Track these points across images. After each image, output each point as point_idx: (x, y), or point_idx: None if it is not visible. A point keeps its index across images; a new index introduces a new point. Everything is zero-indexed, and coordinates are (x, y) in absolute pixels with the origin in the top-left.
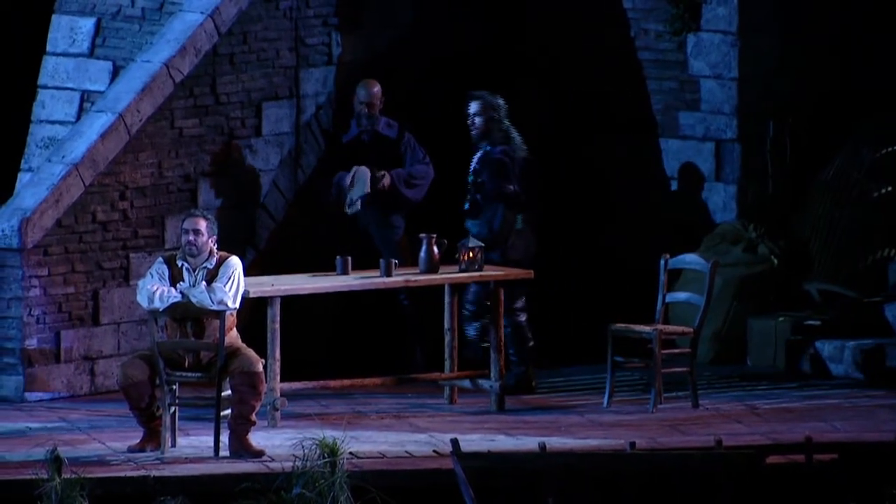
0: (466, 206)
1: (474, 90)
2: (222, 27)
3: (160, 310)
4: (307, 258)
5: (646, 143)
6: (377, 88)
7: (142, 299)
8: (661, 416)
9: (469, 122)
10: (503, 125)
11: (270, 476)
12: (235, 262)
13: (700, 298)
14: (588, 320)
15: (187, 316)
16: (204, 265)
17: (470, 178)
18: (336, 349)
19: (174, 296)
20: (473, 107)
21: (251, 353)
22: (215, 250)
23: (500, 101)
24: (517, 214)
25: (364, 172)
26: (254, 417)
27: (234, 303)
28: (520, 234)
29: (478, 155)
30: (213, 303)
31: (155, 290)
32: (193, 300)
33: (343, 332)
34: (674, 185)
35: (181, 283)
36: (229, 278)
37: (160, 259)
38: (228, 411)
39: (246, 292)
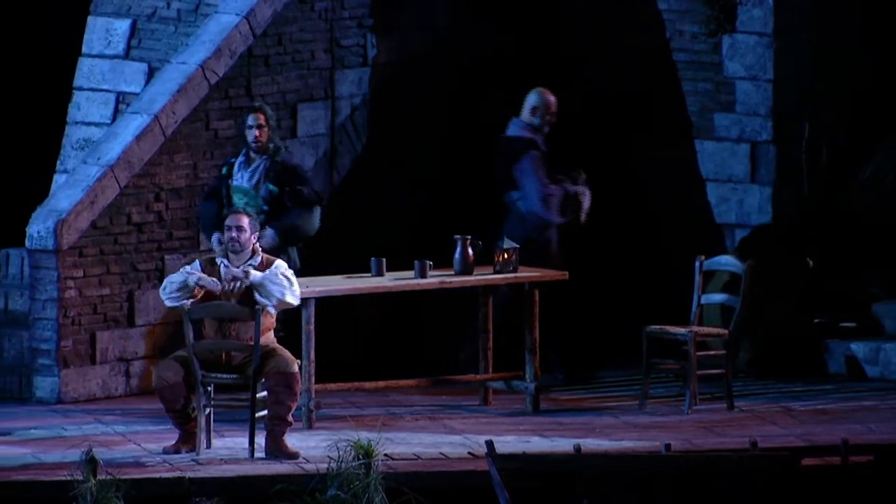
0: (262, 217)
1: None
2: (257, 29)
3: (164, 298)
4: (342, 259)
5: (681, 144)
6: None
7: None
8: (696, 417)
9: (249, 134)
10: (275, 135)
11: (305, 477)
12: (283, 263)
13: (735, 300)
14: (623, 322)
15: (223, 317)
16: (249, 262)
17: (273, 189)
18: (375, 351)
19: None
20: (254, 119)
21: (287, 353)
22: (259, 248)
23: (271, 112)
24: (320, 214)
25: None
26: (290, 418)
27: (296, 299)
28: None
29: (263, 165)
30: (278, 292)
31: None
32: (260, 280)
33: (383, 333)
34: (709, 187)
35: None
36: (289, 280)
37: (198, 260)
38: (264, 412)
39: (282, 293)
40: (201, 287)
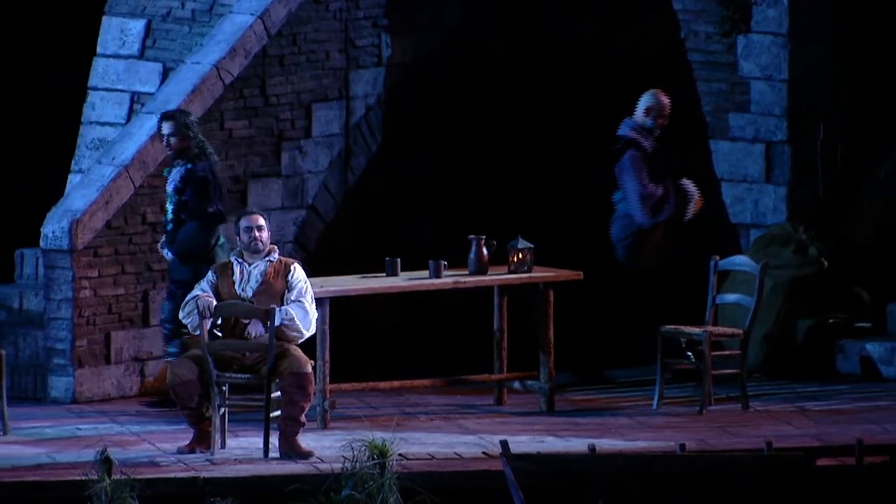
0: (170, 226)
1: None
2: (272, 29)
3: (189, 324)
4: (357, 259)
5: (696, 144)
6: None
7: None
8: (710, 417)
9: (164, 142)
10: (198, 141)
11: (320, 477)
12: (303, 273)
13: (750, 300)
14: (638, 322)
15: (237, 317)
16: (267, 259)
17: (174, 197)
18: (389, 350)
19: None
20: (167, 127)
21: (300, 354)
22: (276, 251)
23: (193, 118)
24: (217, 232)
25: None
26: (303, 418)
27: (313, 328)
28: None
29: (178, 173)
30: (296, 331)
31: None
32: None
33: (398, 333)
34: (724, 187)
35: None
36: (310, 299)
37: (210, 270)
38: (279, 413)
39: (301, 333)
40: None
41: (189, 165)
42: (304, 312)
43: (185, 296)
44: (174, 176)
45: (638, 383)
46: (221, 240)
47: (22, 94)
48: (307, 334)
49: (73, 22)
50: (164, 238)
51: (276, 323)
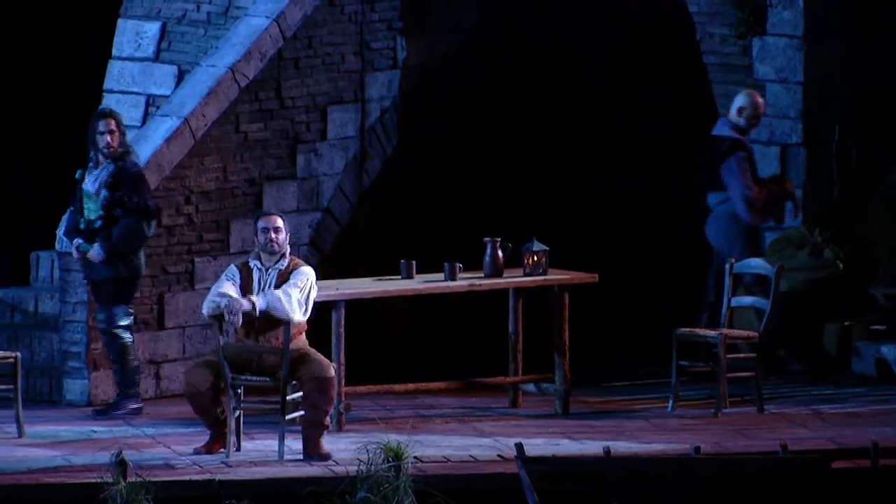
0: (98, 223)
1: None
2: (287, 31)
3: (206, 314)
4: (372, 261)
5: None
6: None
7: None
8: (725, 420)
9: (102, 140)
10: (126, 140)
11: (335, 480)
12: (308, 271)
13: (765, 303)
14: (654, 324)
15: (254, 319)
16: (277, 266)
17: (105, 195)
18: (404, 353)
19: (219, 301)
20: (104, 125)
21: (321, 357)
22: (288, 252)
23: (122, 118)
24: (151, 227)
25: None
26: (326, 421)
27: (302, 316)
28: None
29: (105, 171)
30: (282, 313)
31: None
32: (265, 307)
33: (413, 335)
34: None
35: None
36: (300, 289)
37: (233, 265)
38: (295, 415)
39: (287, 315)
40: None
41: (120, 163)
42: (287, 297)
43: (111, 299)
44: (100, 175)
45: (653, 386)
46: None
47: (38, 97)
48: (292, 318)
49: (88, 24)
50: (79, 239)
51: (262, 307)
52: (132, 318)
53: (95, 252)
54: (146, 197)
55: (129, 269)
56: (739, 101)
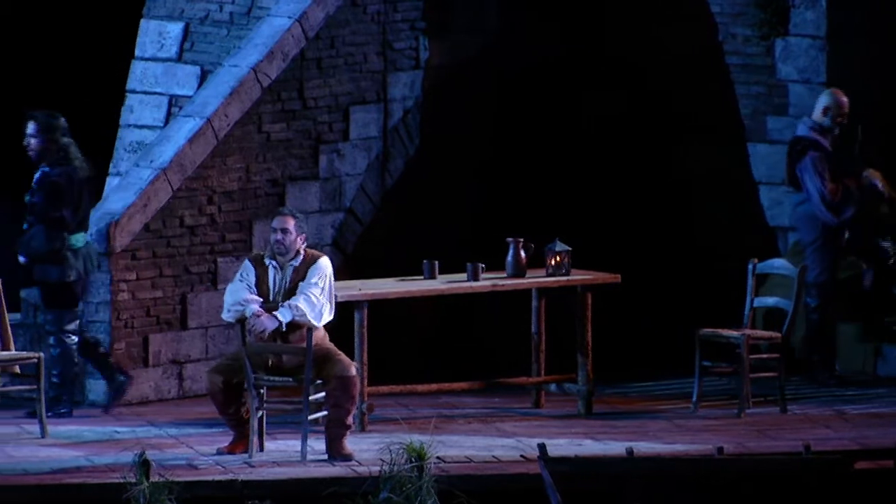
0: (25, 226)
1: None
2: (310, 31)
3: (225, 319)
4: (394, 262)
5: (734, 147)
6: None
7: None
8: (748, 421)
9: (25, 142)
10: (61, 144)
11: (357, 480)
12: (325, 264)
13: (788, 303)
14: (676, 325)
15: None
16: (291, 263)
17: (27, 199)
18: (427, 353)
19: (242, 308)
20: (30, 127)
21: (344, 357)
22: (303, 249)
23: (61, 121)
24: (62, 236)
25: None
26: (349, 421)
27: (329, 317)
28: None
29: (38, 175)
30: (310, 322)
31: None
32: (288, 319)
33: (435, 335)
34: (761, 190)
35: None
36: (321, 289)
37: (247, 260)
38: (318, 415)
39: (308, 322)
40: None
41: (47, 169)
42: (309, 304)
43: (49, 303)
44: (35, 178)
45: (676, 386)
46: (79, 243)
47: (60, 97)
48: (319, 324)
49: (111, 25)
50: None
51: (287, 320)
52: (76, 323)
53: (20, 256)
54: (55, 207)
55: (57, 275)
56: (824, 100)
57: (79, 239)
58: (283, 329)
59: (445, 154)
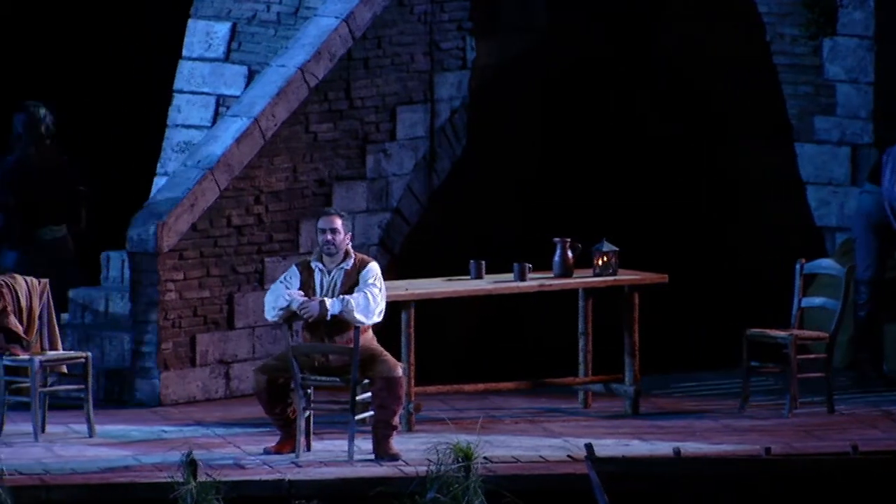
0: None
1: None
2: (357, 31)
3: (270, 319)
4: (441, 262)
5: (781, 147)
6: None
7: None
8: (796, 421)
9: (14, 134)
10: (18, 134)
11: (405, 480)
12: (376, 267)
13: (836, 303)
14: (724, 325)
15: (322, 319)
16: (341, 266)
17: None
18: (474, 353)
19: (286, 303)
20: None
21: (390, 357)
22: (352, 250)
23: (43, 112)
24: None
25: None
26: (395, 421)
27: (375, 319)
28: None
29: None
30: (358, 320)
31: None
32: (337, 310)
33: (483, 335)
34: (809, 190)
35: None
36: (380, 289)
37: (294, 265)
38: (365, 415)
39: (358, 321)
40: (302, 308)
41: (10, 157)
42: (365, 301)
43: None
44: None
45: (723, 387)
46: (47, 236)
47: (108, 98)
48: (367, 322)
49: (159, 25)
50: None
51: (335, 311)
52: None
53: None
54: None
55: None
56: None
57: (45, 232)
58: (328, 319)
59: (492, 154)
